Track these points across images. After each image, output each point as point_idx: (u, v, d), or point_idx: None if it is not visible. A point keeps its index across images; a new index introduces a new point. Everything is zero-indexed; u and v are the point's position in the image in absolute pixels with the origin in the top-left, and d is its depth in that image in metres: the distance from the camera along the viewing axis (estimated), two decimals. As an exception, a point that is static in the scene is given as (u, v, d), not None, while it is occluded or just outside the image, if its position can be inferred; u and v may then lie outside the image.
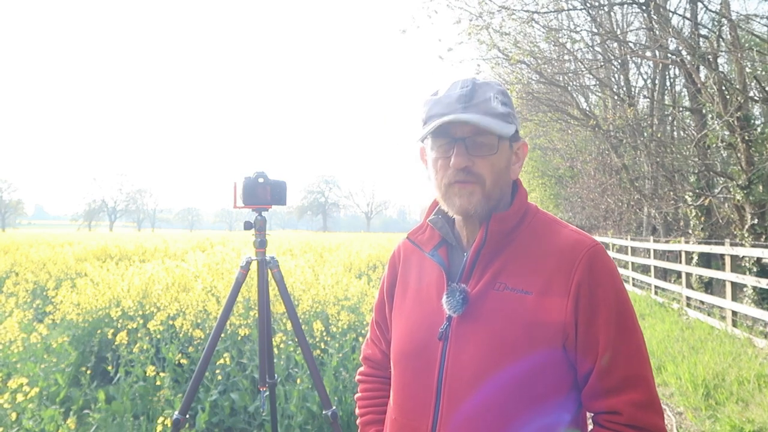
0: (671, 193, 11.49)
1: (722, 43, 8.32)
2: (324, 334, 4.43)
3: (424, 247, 1.21)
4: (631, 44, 10.80)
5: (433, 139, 1.11)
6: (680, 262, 9.66)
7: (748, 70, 8.19)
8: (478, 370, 1.05)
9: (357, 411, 1.40)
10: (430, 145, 1.13)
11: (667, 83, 13.48)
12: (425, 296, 1.18)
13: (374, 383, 1.39)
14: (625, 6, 11.05)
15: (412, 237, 1.25)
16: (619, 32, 11.33)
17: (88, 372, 4.18)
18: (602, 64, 12.56)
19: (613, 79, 14.13)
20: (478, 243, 1.11)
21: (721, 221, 10.00)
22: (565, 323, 1.05)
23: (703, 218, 10.40)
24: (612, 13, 12.28)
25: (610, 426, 1.05)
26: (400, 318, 1.23)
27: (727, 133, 8.18)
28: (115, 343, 4.19)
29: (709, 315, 8.10)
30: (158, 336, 4.44)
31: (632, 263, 12.62)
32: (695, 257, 10.06)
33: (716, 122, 8.33)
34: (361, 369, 1.45)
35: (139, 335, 4.33)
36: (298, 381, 3.79)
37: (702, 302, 8.88)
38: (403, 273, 1.29)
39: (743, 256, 7.70)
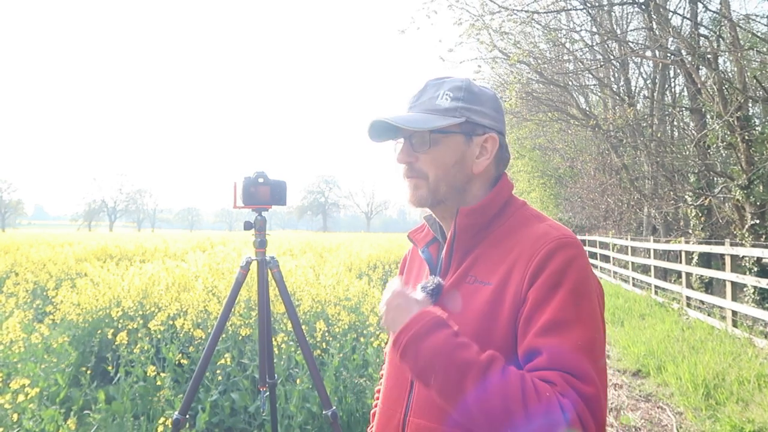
0: (671, 193, 11.49)
1: (722, 43, 8.32)
2: (326, 334, 4.43)
3: (419, 244, 1.28)
4: (631, 44, 10.81)
5: (400, 137, 1.18)
6: (680, 262, 9.65)
7: (748, 70, 8.19)
8: None
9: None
10: None
11: (667, 83, 13.48)
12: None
13: None
14: (625, 6, 11.05)
15: (411, 235, 1.32)
16: (619, 32, 11.33)
17: (89, 372, 4.18)
18: (602, 64, 12.57)
19: (613, 79, 14.14)
20: (449, 238, 1.15)
21: (721, 221, 10.01)
22: (518, 311, 1.01)
23: (703, 218, 10.40)
24: (612, 13, 12.28)
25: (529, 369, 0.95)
26: None
27: (727, 133, 8.17)
28: (116, 343, 4.18)
29: (709, 315, 8.10)
30: (158, 336, 4.44)
31: (632, 263, 12.62)
32: (695, 257, 10.06)
33: (716, 122, 8.32)
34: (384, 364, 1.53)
35: (139, 335, 4.33)
36: (299, 381, 3.79)
37: (702, 302, 8.88)
38: (408, 271, 1.37)
39: (743, 256, 7.70)
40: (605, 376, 0.96)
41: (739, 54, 7.71)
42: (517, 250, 1.07)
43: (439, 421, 1.06)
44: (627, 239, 13.42)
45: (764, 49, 8.48)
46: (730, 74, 9.87)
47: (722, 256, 7.82)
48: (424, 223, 1.29)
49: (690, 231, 11.03)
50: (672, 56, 9.15)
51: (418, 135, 1.13)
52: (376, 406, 1.43)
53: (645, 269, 12.84)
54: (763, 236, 7.89)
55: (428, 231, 1.27)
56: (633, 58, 12.22)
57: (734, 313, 7.25)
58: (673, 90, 13.73)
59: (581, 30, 11.61)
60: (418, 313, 1.01)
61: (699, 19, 9.43)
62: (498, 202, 1.14)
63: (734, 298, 7.35)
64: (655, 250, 11.29)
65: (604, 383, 0.94)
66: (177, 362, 4.24)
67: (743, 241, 7.94)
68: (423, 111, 1.13)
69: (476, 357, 0.93)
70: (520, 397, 0.88)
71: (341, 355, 4.20)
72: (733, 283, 7.31)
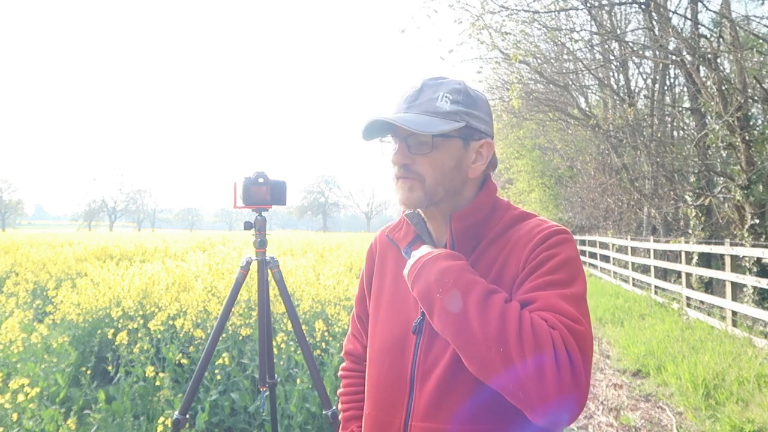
0: (671, 193, 11.49)
1: (722, 43, 8.32)
2: (326, 334, 4.43)
3: (400, 243, 1.23)
4: (631, 44, 10.80)
5: (391, 136, 1.16)
6: (680, 262, 9.66)
7: (748, 70, 8.19)
8: (449, 363, 1.06)
9: (339, 407, 1.41)
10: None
11: (667, 83, 13.48)
12: (402, 293, 1.20)
13: (356, 378, 1.41)
14: (625, 6, 11.05)
15: (389, 233, 1.28)
16: (619, 32, 11.32)
17: (88, 372, 4.18)
18: (602, 63, 12.56)
19: (613, 79, 14.13)
20: (448, 244, 1.14)
21: (721, 221, 10.00)
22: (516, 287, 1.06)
23: (703, 218, 10.40)
24: (612, 13, 12.28)
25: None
26: (377, 315, 1.25)
27: (727, 133, 8.17)
28: (116, 343, 4.18)
29: (709, 315, 8.10)
30: (158, 336, 4.44)
31: (632, 263, 12.61)
32: (695, 257, 10.06)
33: (716, 122, 8.32)
34: (344, 364, 1.47)
35: (139, 335, 4.33)
36: (299, 381, 3.79)
37: (702, 302, 8.88)
38: (379, 267, 1.31)
39: (743, 256, 7.70)
40: (590, 323, 1.02)
41: (739, 54, 7.70)
42: (512, 243, 1.10)
43: (446, 420, 1.05)
44: (627, 239, 13.41)
45: (764, 49, 8.47)
46: (730, 74, 9.87)
47: (722, 256, 7.82)
48: (404, 220, 1.25)
49: (690, 231, 11.03)
50: (672, 56, 9.15)
51: (417, 137, 1.10)
52: (346, 411, 1.37)
53: (645, 269, 12.83)
54: (763, 236, 7.88)
55: (408, 229, 1.23)
56: (633, 58, 12.20)
57: (734, 313, 7.25)
58: (673, 90, 13.72)
59: (581, 30, 11.62)
60: (442, 250, 1.07)
61: (699, 19, 9.42)
62: (488, 204, 1.16)
63: (734, 298, 7.35)
64: (655, 250, 11.29)
65: (590, 327, 1.00)
66: (177, 362, 4.23)
67: (743, 241, 7.94)
68: (423, 112, 1.09)
69: (483, 282, 1.00)
70: (517, 320, 0.93)
71: (341, 355, 4.19)
72: (733, 283, 7.31)
